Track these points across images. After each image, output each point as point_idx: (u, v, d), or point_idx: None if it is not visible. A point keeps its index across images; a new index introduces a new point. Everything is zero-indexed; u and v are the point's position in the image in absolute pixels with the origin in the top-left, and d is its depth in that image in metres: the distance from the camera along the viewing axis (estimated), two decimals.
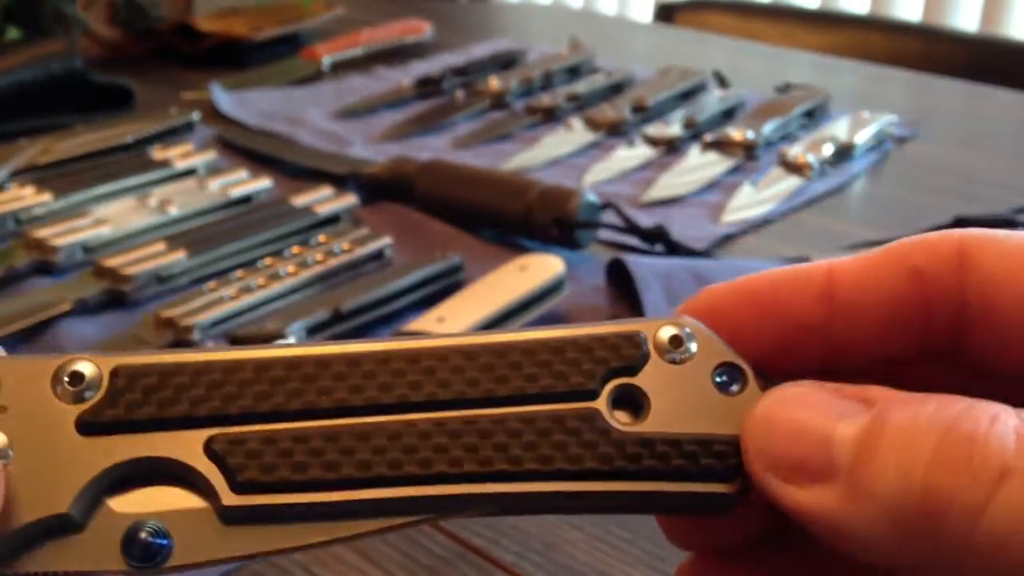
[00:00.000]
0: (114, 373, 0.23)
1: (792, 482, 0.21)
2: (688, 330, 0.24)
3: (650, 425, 0.23)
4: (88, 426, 0.22)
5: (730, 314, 0.24)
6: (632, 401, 0.23)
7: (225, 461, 0.22)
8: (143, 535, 0.22)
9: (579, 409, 0.23)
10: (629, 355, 0.23)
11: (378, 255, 0.68)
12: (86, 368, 0.23)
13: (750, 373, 0.23)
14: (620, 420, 0.23)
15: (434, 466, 0.22)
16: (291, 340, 0.56)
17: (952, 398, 0.20)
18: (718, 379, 0.23)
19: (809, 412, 0.22)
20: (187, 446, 0.22)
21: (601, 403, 0.23)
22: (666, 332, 0.24)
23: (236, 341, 0.55)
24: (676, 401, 0.23)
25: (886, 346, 0.24)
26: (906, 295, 0.23)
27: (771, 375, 0.23)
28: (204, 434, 0.22)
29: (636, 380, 0.23)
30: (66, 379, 0.22)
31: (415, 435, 0.23)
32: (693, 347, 0.24)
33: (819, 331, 0.24)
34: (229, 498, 0.22)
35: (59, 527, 0.22)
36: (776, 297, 0.24)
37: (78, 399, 0.22)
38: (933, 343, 0.24)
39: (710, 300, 0.24)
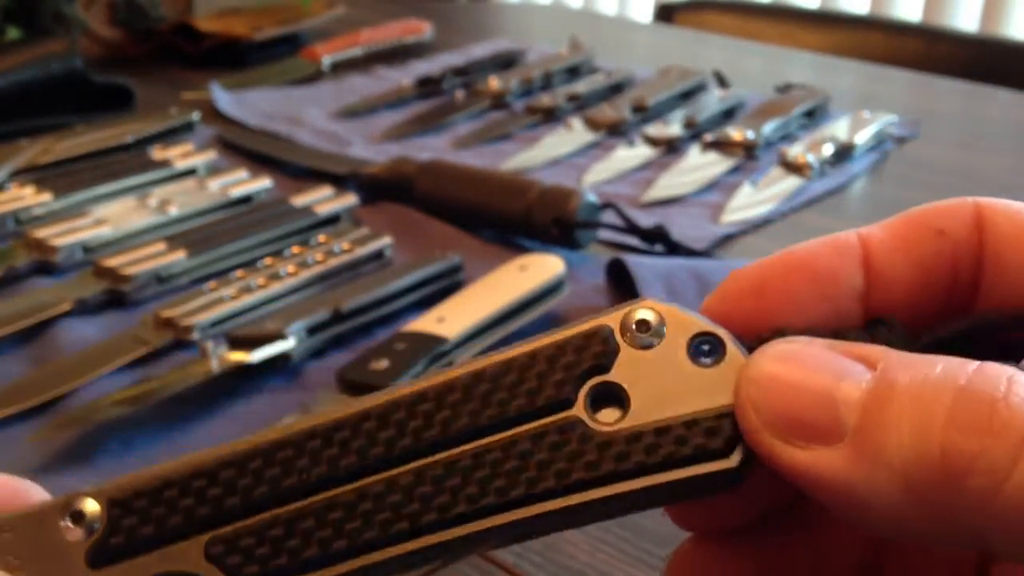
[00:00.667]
0: (111, 504, 0.24)
1: (793, 443, 0.20)
2: (652, 311, 0.23)
3: (634, 418, 0.22)
4: (97, 559, 0.23)
5: (783, 287, 0.23)
6: (614, 397, 0.23)
7: (225, 562, 0.23)
8: None
9: (558, 421, 0.22)
10: (597, 352, 0.23)
11: (378, 255, 0.68)
12: (86, 506, 0.24)
13: (727, 338, 0.22)
14: (604, 420, 0.22)
15: (423, 517, 0.22)
16: (291, 341, 0.56)
17: (956, 360, 0.20)
18: (694, 353, 0.22)
19: (808, 370, 0.21)
20: (189, 555, 0.23)
21: (579, 409, 0.22)
22: (632, 318, 0.23)
23: (236, 341, 0.55)
24: (656, 387, 0.22)
25: (916, 307, 0.23)
26: (935, 256, 0.23)
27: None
28: (203, 539, 0.23)
29: (610, 376, 0.23)
30: (69, 521, 0.24)
31: (399, 492, 0.22)
32: (662, 328, 0.23)
33: (860, 298, 0.23)
34: None
35: None
36: (823, 266, 0.23)
37: (84, 535, 0.24)
38: (955, 303, 0.24)
39: (757, 276, 0.24)
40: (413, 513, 0.22)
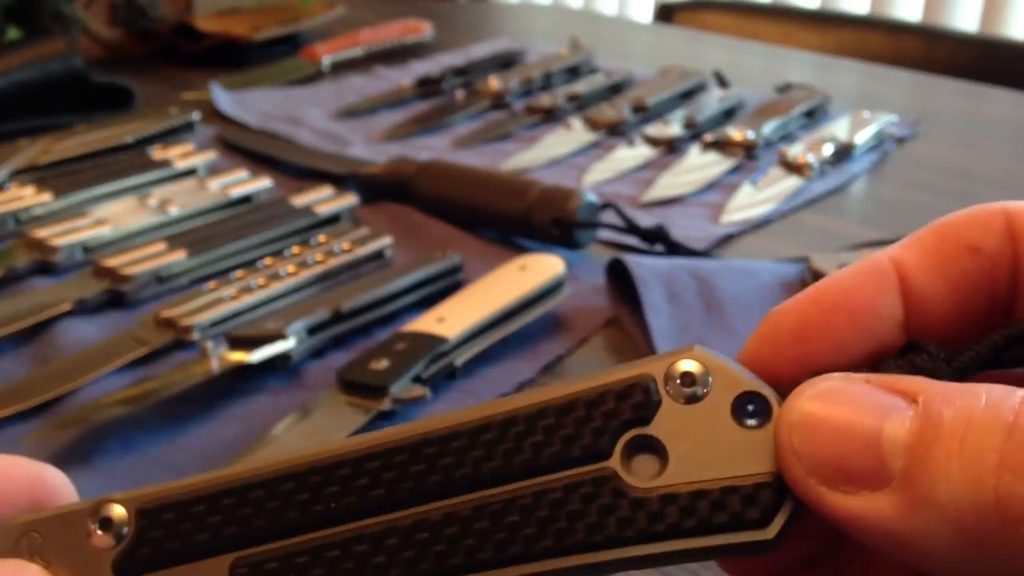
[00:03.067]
0: (139, 513, 0.24)
1: (839, 489, 0.20)
2: (700, 363, 0.22)
3: (671, 476, 0.21)
4: (123, 569, 0.24)
5: (824, 329, 0.22)
6: (651, 448, 0.22)
7: None
8: None
9: (593, 472, 0.22)
10: (638, 403, 0.22)
11: (378, 255, 0.68)
12: (115, 512, 0.24)
13: (774, 401, 0.22)
14: (639, 472, 0.22)
15: (449, 560, 0.22)
16: (291, 341, 0.56)
17: (1000, 388, 0.19)
18: (738, 412, 0.21)
19: (850, 409, 0.20)
20: (214, 573, 0.23)
21: (615, 461, 0.22)
22: (676, 370, 0.22)
23: (236, 341, 0.55)
24: (696, 445, 0.21)
25: (956, 327, 0.23)
26: (972, 275, 0.22)
27: None
28: (228, 559, 0.23)
29: (649, 430, 0.22)
30: (98, 527, 0.24)
31: (427, 529, 0.22)
32: (708, 381, 0.22)
33: (900, 326, 0.23)
34: None
35: None
36: (862, 301, 0.22)
37: (112, 542, 0.24)
38: (994, 316, 0.23)
39: (796, 319, 0.23)
40: (439, 553, 0.22)
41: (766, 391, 0.22)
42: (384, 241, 0.68)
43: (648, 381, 0.22)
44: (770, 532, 0.21)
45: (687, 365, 0.22)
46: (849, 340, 0.22)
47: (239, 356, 0.55)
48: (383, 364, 0.53)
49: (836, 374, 0.21)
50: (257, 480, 0.23)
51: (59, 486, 0.25)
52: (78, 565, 0.24)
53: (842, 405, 0.20)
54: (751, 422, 0.21)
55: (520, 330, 0.59)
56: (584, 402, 0.22)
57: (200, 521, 0.23)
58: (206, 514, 0.23)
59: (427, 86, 1.03)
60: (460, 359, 0.56)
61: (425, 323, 0.57)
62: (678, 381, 0.22)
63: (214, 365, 0.54)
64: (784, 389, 0.22)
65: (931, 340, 0.22)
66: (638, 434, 0.22)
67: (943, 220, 0.23)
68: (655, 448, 0.22)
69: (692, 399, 0.22)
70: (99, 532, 0.24)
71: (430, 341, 0.55)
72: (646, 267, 0.62)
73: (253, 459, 0.24)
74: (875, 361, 0.22)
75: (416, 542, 0.22)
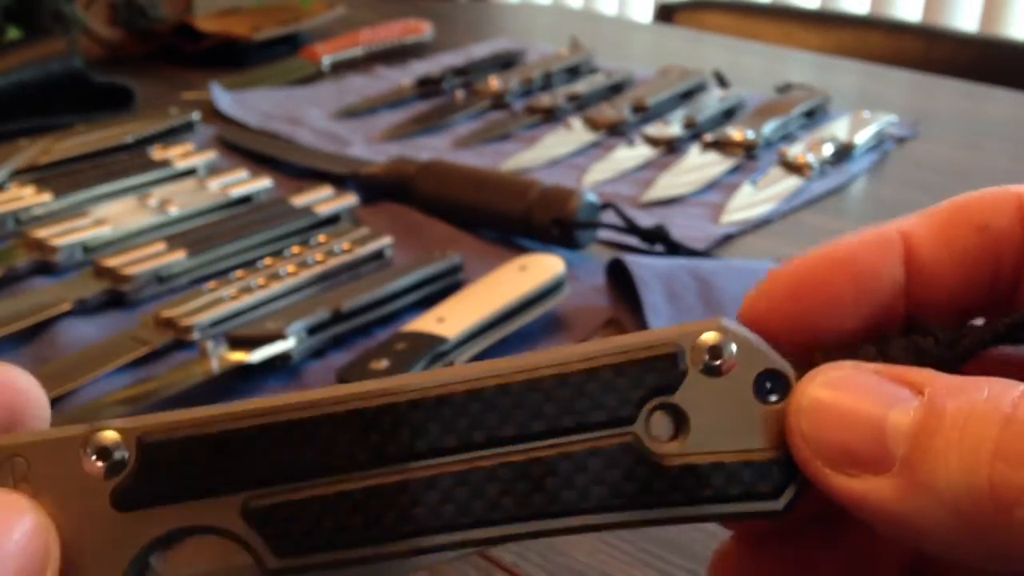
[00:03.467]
0: (140, 443, 0.22)
1: (844, 472, 0.21)
2: (728, 338, 0.22)
3: (691, 445, 0.22)
4: (123, 502, 0.22)
5: (825, 286, 0.23)
6: (673, 413, 0.22)
7: (264, 526, 0.22)
8: None
9: (617, 436, 0.22)
10: (666, 372, 0.22)
11: (378, 255, 0.68)
12: (112, 440, 0.22)
13: (793, 380, 0.22)
14: (659, 438, 0.22)
15: (472, 512, 0.22)
16: (291, 341, 0.56)
17: (1003, 383, 0.20)
18: (760, 388, 0.22)
19: (857, 397, 0.21)
20: (224, 512, 0.22)
21: (639, 426, 0.22)
22: (705, 342, 0.22)
23: (236, 341, 0.55)
24: (717, 416, 0.22)
25: (958, 301, 0.24)
26: (977, 251, 0.23)
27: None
28: (239, 498, 0.22)
29: (674, 399, 0.22)
30: (93, 455, 0.22)
31: (450, 481, 0.22)
32: (733, 355, 0.22)
33: (902, 293, 0.23)
34: (273, 561, 0.22)
35: None
36: (865, 263, 0.23)
37: (109, 473, 0.22)
38: (997, 296, 0.24)
39: (798, 275, 0.23)
40: (462, 506, 0.22)
41: (788, 371, 0.22)
42: (384, 241, 0.68)
43: (678, 351, 0.22)
44: (779, 504, 0.22)
45: (715, 338, 0.22)
46: (848, 301, 0.23)
47: (239, 356, 0.55)
48: (383, 364, 0.53)
49: (847, 362, 0.22)
50: (272, 422, 0.22)
51: (31, 389, 0.23)
52: (69, 495, 0.22)
53: (850, 393, 0.21)
54: (771, 398, 0.22)
55: (520, 330, 0.59)
56: (612, 366, 0.22)
57: (209, 456, 0.22)
58: (216, 450, 0.22)
59: (427, 86, 1.03)
60: (460, 359, 0.56)
61: (425, 323, 0.57)
62: (706, 352, 0.22)
63: (214, 365, 0.54)
64: (783, 349, 0.23)
65: (935, 320, 0.23)
66: (663, 402, 0.22)
67: (956, 199, 0.24)
68: (676, 414, 0.22)
69: (716, 372, 0.22)
70: (95, 461, 0.22)
71: (430, 341, 0.55)
72: (646, 267, 0.62)
73: (262, 399, 0.23)
74: (879, 336, 0.23)
75: (438, 493, 0.22)
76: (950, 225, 0.23)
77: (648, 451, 0.22)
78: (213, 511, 0.22)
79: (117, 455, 0.22)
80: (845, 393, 0.21)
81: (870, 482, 0.20)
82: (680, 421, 0.22)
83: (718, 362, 0.22)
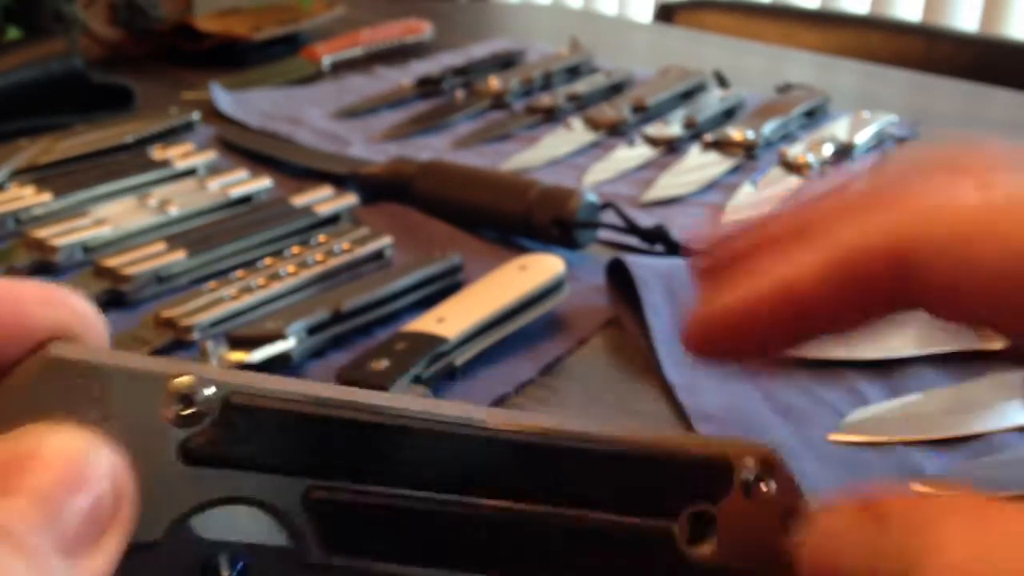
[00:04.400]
0: (227, 402, 0.21)
1: None
2: (773, 466, 0.24)
3: (720, 556, 0.23)
4: (192, 455, 0.21)
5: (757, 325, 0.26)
6: (702, 520, 0.24)
7: (323, 518, 0.22)
8: (223, 560, 0.22)
9: (656, 528, 0.23)
10: (714, 482, 0.23)
11: (378, 255, 0.68)
12: (200, 390, 0.21)
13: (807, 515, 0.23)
14: (685, 539, 0.23)
15: (503, 561, 0.23)
16: (291, 341, 0.56)
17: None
18: (786, 519, 0.23)
19: (846, 556, 0.21)
20: (287, 493, 0.21)
21: (678, 525, 0.23)
22: (752, 464, 0.23)
23: (236, 341, 0.55)
24: (745, 535, 0.23)
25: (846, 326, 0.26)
26: (868, 301, 0.25)
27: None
28: (304, 483, 0.22)
29: (714, 509, 0.23)
30: (175, 399, 0.21)
31: (498, 524, 0.23)
32: (773, 485, 0.23)
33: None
34: (317, 554, 0.22)
35: (142, 547, 0.21)
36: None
37: (184, 422, 0.21)
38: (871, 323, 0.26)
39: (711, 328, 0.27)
40: (504, 551, 0.23)
41: (806, 509, 0.23)
42: (384, 241, 0.68)
43: (731, 466, 0.23)
44: None
45: (762, 466, 0.23)
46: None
47: (239, 356, 0.55)
48: (383, 364, 0.53)
49: (840, 506, 0.22)
50: (363, 417, 0.22)
51: (87, 312, 0.22)
52: (136, 431, 0.20)
53: (839, 552, 0.22)
54: (792, 530, 0.23)
55: (520, 330, 0.59)
56: (672, 464, 0.23)
57: (288, 433, 0.21)
58: (297, 430, 0.21)
59: (427, 86, 1.03)
60: (460, 359, 0.56)
61: (425, 323, 0.57)
62: (751, 477, 0.23)
63: (214, 365, 0.54)
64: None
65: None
66: (703, 509, 0.23)
67: (842, 247, 0.25)
68: (706, 521, 0.23)
69: (755, 495, 0.23)
70: (176, 408, 0.21)
71: (430, 341, 0.55)
72: (646, 267, 0.62)
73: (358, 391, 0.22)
74: None
75: (484, 532, 0.23)
76: (838, 278, 0.25)
77: (679, 548, 0.23)
78: (276, 488, 0.21)
79: (200, 406, 0.21)
80: (835, 552, 0.22)
81: None
82: (707, 529, 0.23)
83: (759, 486, 0.23)
